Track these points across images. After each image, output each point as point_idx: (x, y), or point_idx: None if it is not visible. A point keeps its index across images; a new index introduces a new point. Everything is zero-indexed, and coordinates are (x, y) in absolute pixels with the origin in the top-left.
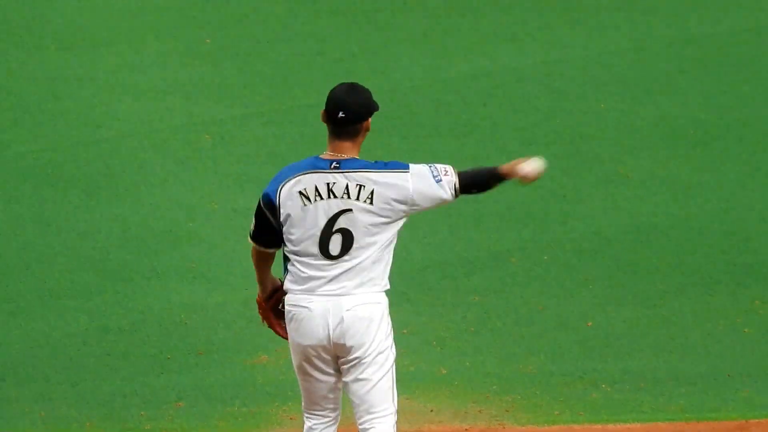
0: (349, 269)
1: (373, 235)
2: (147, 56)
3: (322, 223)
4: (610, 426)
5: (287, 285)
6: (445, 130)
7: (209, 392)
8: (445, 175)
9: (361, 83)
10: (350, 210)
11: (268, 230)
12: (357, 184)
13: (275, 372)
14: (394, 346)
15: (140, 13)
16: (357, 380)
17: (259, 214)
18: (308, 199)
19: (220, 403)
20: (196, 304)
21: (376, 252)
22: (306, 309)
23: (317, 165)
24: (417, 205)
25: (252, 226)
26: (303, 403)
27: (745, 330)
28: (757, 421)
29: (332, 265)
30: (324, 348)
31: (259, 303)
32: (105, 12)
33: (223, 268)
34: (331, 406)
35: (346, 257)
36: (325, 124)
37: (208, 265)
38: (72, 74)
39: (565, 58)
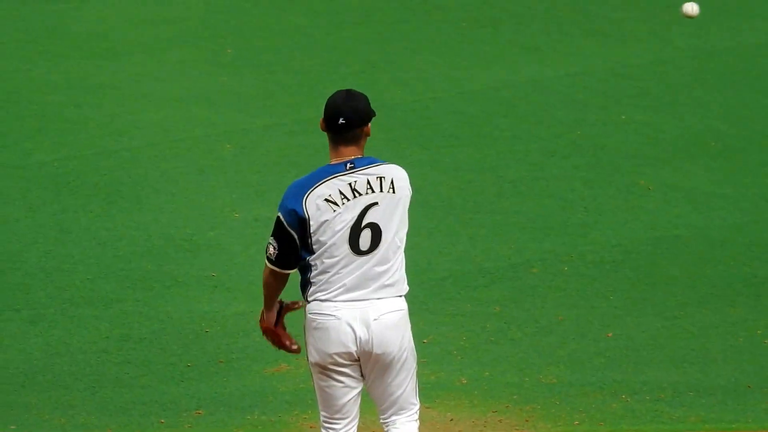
0: (377, 264)
1: (397, 225)
2: (169, 65)
3: (352, 221)
4: None
5: (312, 294)
6: (467, 140)
7: (229, 401)
8: None
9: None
10: (376, 203)
11: (292, 250)
12: (377, 177)
13: (295, 381)
14: (414, 347)
15: (162, 22)
16: (384, 385)
17: (282, 235)
18: (336, 204)
19: (240, 412)
20: (217, 313)
21: (398, 245)
22: (333, 317)
23: (332, 170)
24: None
25: (272, 250)
26: (322, 414)
27: (766, 341)
28: None
29: (361, 260)
30: (349, 355)
31: (266, 329)
32: (127, 21)
33: (243, 277)
34: (353, 413)
35: (374, 251)
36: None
37: (228, 274)
38: (94, 83)
39: (586, 69)
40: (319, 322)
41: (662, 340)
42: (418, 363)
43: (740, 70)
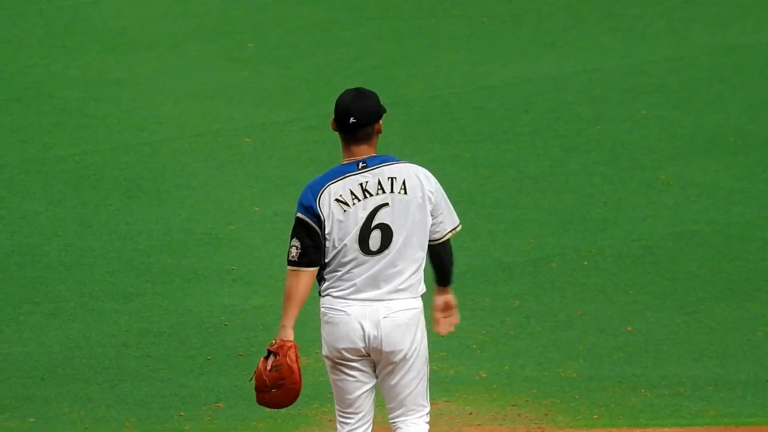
0: (388, 265)
1: (412, 227)
2: (188, 60)
3: (362, 221)
4: (649, 430)
5: (325, 290)
6: (486, 136)
7: (249, 394)
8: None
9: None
10: (387, 204)
11: (315, 245)
12: (388, 177)
13: (314, 374)
14: (427, 349)
15: (182, 16)
16: (393, 385)
17: (304, 231)
18: (346, 204)
19: (259, 405)
20: (236, 307)
21: (413, 248)
22: (343, 313)
23: (344, 170)
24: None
25: (294, 251)
26: (336, 408)
27: None
28: None
29: (372, 260)
30: (357, 351)
31: (285, 344)
32: (146, 16)
33: (263, 271)
34: (366, 409)
35: (385, 252)
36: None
37: (248, 268)
38: (113, 78)
39: (605, 66)
40: (330, 317)
41: (681, 334)
42: (438, 357)
43: (759, 66)
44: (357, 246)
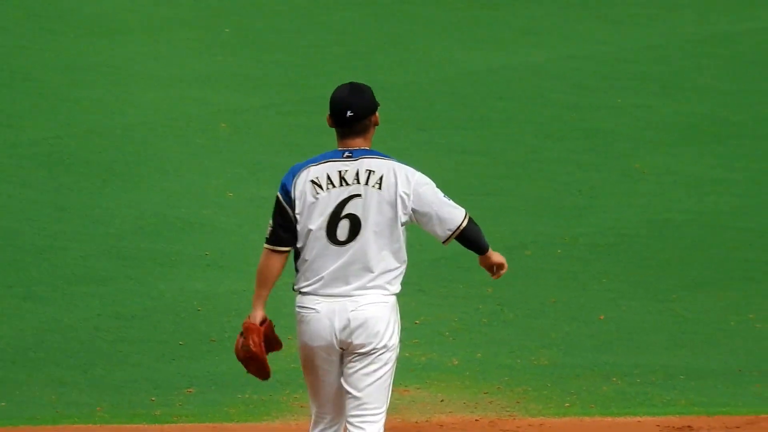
0: (356, 258)
1: (381, 223)
2: (164, 45)
3: (332, 208)
4: (621, 419)
5: (297, 284)
6: (462, 122)
7: (221, 379)
8: (455, 206)
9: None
10: (359, 195)
11: (286, 226)
12: (367, 170)
13: (286, 360)
14: (398, 347)
15: (159, 1)
16: (357, 373)
17: (278, 210)
18: (320, 187)
19: (231, 391)
20: (210, 292)
21: (382, 245)
22: (313, 311)
23: (329, 155)
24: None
25: (268, 230)
26: (311, 407)
27: (757, 326)
28: (767, 416)
29: (339, 251)
30: (331, 347)
31: (250, 327)
32: (123, 0)
33: (236, 256)
34: (339, 410)
35: (353, 243)
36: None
37: (221, 253)
38: (89, 62)
39: (582, 53)
40: (302, 316)
41: (654, 323)
42: (411, 344)
43: (737, 55)
44: (325, 234)
